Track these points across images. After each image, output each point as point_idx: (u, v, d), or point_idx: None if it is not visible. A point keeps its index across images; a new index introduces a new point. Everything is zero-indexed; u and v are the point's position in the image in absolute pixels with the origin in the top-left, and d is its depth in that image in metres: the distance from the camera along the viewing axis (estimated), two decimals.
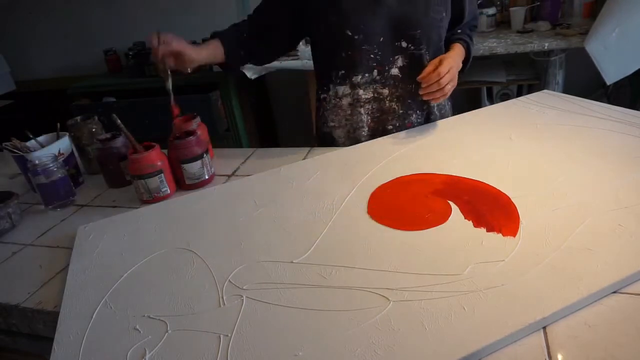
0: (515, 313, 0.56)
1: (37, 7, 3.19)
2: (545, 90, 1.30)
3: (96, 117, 1.23)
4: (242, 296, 0.66)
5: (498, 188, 0.84)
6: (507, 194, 0.82)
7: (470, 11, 1.21)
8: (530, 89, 2.31)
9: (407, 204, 0.84)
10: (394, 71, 1.14)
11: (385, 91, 1.15)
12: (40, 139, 1.17)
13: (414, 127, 1.19)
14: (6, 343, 0.84)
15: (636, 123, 1.02)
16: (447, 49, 1.18)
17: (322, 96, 1.22)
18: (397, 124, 1.19)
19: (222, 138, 2.67)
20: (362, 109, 1.17)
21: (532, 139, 1.01)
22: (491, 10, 2.38)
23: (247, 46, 1.17)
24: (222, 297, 0.67)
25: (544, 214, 0.75)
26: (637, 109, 1.08)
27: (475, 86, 2.44)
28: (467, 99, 2.74)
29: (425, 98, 1.09)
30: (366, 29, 1.07)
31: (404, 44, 1.11)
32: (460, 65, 1.17)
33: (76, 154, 1.20)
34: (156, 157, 1.00)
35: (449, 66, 1.05)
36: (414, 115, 1.19)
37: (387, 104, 1.16)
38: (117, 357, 0.59)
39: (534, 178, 0.86)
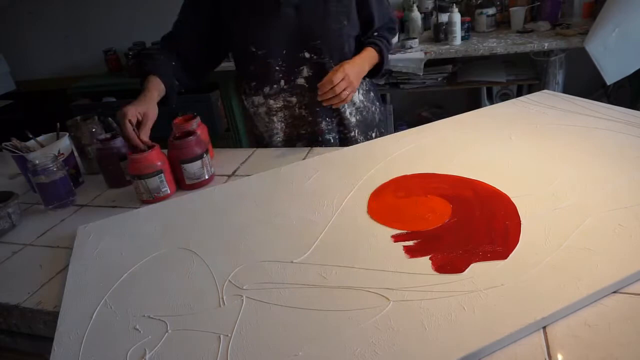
0: (515, 313, 0.56)
1: (37, 7, 3.19)
2: (545, 90, 1.30)
3: (96, 117, 1.23)
4: (242, 296, 0.66)
5: (498, 188, 0.84)
6: (507, 194, 0.82)
7: (382, 15, 1.24)
8: (530, 89, 2.31)
9: (407, 204, 0.84)
10: (300, 81, 1.19)
11: (294, 99, 1.21)
12: (40, 139, 1.17)
13: (325, 133, 1.24)
14: (6, 343, 0.84)
15: (636, 123, 1.02)
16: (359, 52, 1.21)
17: (244, 104, 1.28)
18: (309, 129, 1.25)
19: (222, 138, 2.67)
20: (275, 117, 1.23)
21: (532, 139, 1.01)
22: (491, 10, 2.38)
23: (178, 75, 1.19)
24: (222, 297, 0.67)
25: (544, 214, 0.75)
26: (637, 109, 1.08)
27: (475, 86, 2.44)
28: (467, 99, 2.75)
29: (325, 104, 1.13)
30: (270, 44, 1.13)
31: (307, 55, 1.16)
32: (366, 69, 1.20)
33: (76, 154, 1.19)
34: (156, 157, 1.00)
35: (344, 73, 1.09)
36: (323, 123, 1.24)
37: (297, 111, 1.22)
38: (117, 357, 0.59)
39: (534, 178, 0.86)
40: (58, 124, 1.18)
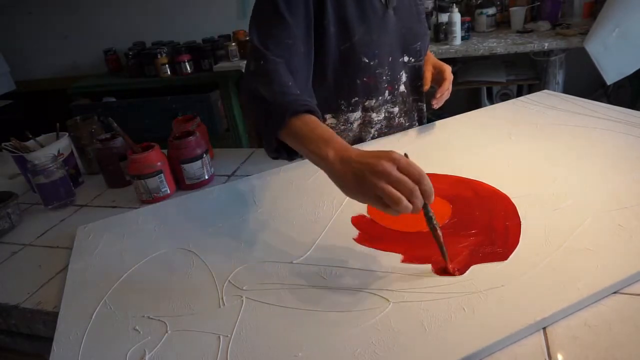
0: (515, 314, 0.56)
1: (37, 7, 3.19)
2: (545, 90, 1.30)
3: (96, 117, 1.23)
4: (241, 296, 0.66)
5: (498, 188, 0.84)
6: (507, 194, 0.82)
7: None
8: (530, 89, 2.32)
9: None
10: (402, 88, 1.13)
11: (396, 109, 1.14)
12: (40, 139, 1.17)
13: None
14: (6, 343, 0.84)
15: (636, 123, 1.02)
16: None
17: (330, 125, 1.09)
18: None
19: (222, 138, 2.67)
20: (372, 129, 1.14)
21: (532, 139, 1.01)
22: (491, 10, 2.38)
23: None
24: (222, 298, 0.67)
25: (544, 214, 0.75)
26: (637, 109, 1.08)
27: (475, 86, 2.44)
28: (467, 99, 2.75)
29: (437, 107, 1.12)
30: (380, 52, 1.04)
31: (406, 59, 1.11)
32: None
33: (76, 154, 1.19)
34: (156, 157, 1.00)
35: (450, 71, 1.12)
36: (416, 125, 1.21)
37: (397, 121, 1.16)
38: (116, 358, 0.59)
39: (534, 178, 0.86)
40: (58, 124, 1.18)
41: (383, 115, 1.13)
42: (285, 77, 0.83)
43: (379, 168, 0.59)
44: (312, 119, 0.74)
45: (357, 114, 1.10)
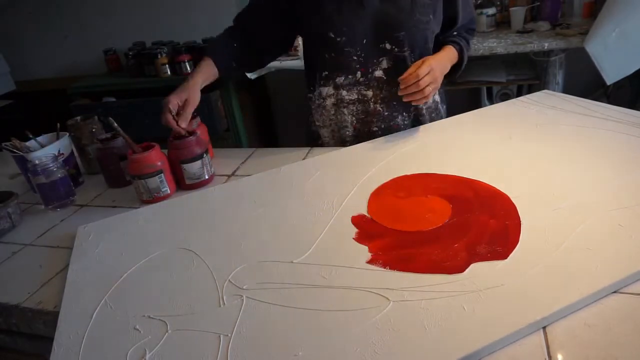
0: (515, 313, 0.56)
1: (37, 7, 3.19)
2: (545, 90, 1.30)
3: (96, 117, 1.23)
4: (242, 296, 0.66)
5: (498, 188, 0.84)
6: (507, 194, 0.82)
7: (465, 14, 1.19)
8: (530, 89, 2.31)
9: (407, 204, 0.84)
10: (378, 73, 1.14)
11: (370, 93, 1.15)
12: (40, 139, 1.17)
13: (400, 129, 1.19)
14: (6, 343, 0.84)
15: (636, 123, 1.02)
16: (439, 50, 1.16)
17: (308, 95, 1.24)
18: (383, 126, 1.18)
19: (222, 138, 2.67)
20: (345, 109, 1.17)
21: (532, 139, 1.01)
22: (491, 10, 2.38)
23: (239, 57, 1.19)
24: (222, 297, 0.67)
25: (544, 214, 0.75)
26: (637, 109, 1.08)
27: (475, 86, 2.44)
28: (467, 99, 2.75)
29: (405, 100, 1.07)
30: (349, 31, 1.08)
31: (387, 46, 1.11)
32: (448, 67, 1.15)
33: (76, 153, 1.19)
34: (156, 157, 1.00)
35: (430, 68, 1.03)
36: (399, 117, 1.18)
37: (372, 106, 1.16)
38: (117, 357, 0.59)
39: (534, 178, 0.86)
40: (58, 124, 1.18)
41: (355, 96, 1.16)
42: (222, 37, 1.19)
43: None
44: (205, 61, 1.13)
45: (329, 90, 1.17)
